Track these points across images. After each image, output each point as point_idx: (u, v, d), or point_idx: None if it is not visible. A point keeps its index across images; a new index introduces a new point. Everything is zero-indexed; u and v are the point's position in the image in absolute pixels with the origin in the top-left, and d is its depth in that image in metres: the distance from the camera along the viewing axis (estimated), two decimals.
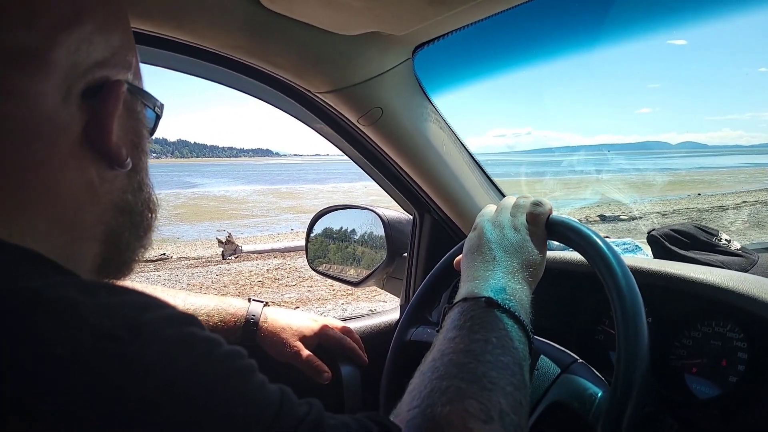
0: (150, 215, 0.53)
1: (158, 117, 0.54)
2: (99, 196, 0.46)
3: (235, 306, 0.99)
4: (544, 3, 0.93)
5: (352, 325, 1.19)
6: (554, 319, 1.09)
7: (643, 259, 1.09)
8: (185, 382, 0.35)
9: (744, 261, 1.04)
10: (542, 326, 0.94)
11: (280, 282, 7.78)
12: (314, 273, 1.58)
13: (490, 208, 0.77)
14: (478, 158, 1.17)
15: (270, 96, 1.01)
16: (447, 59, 1.04)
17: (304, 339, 1.00)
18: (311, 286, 7.36)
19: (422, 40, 0.90)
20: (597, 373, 0.71)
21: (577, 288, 1.06)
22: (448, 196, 1.14)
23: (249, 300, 1.01)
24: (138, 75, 0.51)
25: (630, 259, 1.02)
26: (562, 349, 0.77)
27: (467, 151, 1.13)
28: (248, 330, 0.97)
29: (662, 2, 1.02)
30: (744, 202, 13.00)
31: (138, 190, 0.50)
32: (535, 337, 0.82)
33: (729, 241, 1.09)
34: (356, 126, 1.03)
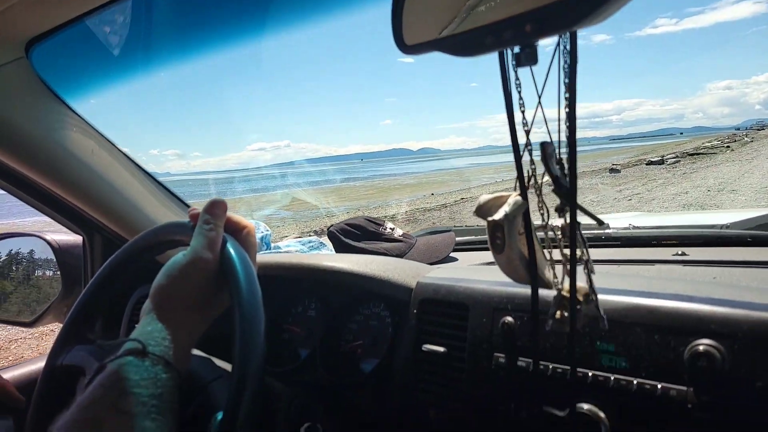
0: None
1: None
2: None
3: None
4: None
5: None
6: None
7: (312, 255, 1.15)
8: None
9: (404, 245, 1.18)
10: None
11: None
12: None
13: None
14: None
15: None
16: (85, 54, 0.92)
17: None
18: None
19: (33, 33, 0.78)
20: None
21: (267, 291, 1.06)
22: (113, 212, 1.02)
23: None
24: None
25: (302, 257, 1.06)
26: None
27: (130, 160, 1.03)
28: None
29: None
30: (462, 198, 15.41)
31: None
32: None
33: (393, 229, 1.22)
34: None
